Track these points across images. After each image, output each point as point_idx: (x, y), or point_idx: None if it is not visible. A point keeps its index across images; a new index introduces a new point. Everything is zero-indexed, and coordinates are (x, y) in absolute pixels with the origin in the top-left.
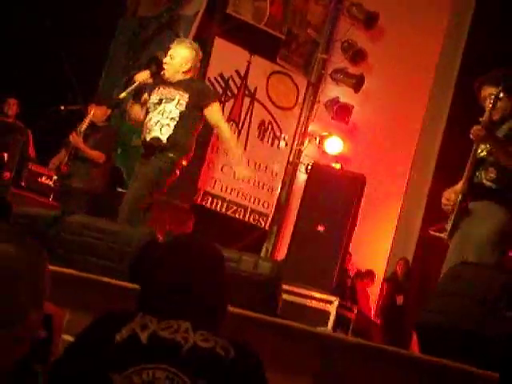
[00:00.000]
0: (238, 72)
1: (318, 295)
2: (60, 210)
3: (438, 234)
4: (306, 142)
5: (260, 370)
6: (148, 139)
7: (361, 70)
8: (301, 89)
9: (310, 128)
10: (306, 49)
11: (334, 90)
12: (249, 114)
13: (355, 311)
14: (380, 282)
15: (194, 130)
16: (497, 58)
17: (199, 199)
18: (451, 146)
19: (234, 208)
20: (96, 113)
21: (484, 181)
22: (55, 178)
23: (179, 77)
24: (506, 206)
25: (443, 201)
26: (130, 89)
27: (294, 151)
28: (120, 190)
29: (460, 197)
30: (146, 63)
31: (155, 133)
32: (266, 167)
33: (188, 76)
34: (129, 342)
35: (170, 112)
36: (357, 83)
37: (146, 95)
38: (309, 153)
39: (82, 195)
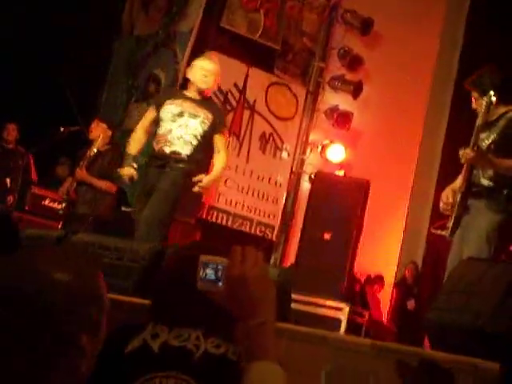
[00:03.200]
0: (236, 85)
1: (328, 303)
2: (63, 231)
3: (440, 231)
4: (308, 150)
5: None
6: (168, 152)
7: (359, 76)
8: (300, 98)
9: (312, 137)
10: (302, 58)
11: (332, 98)
12: (249, 127)
13: (366, 317)
14: (390, 286)
15: (209, 149)
16: (494, 58)
17: (204, 214)
18: (454, 146)
19: (240, 221)
20: (97, 134)
21: (482, 179)
22: (64, 204)
23: (199, 95)
24: (503, 203)
25: (442, 200)
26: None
27: (296, 161)
28: (124, 209)
29: (459, 195)
30: (144, 82)
31: (176, 147)
32: (270, 179)
33: (208, 95)
34: (140, 352)
35: (195, 129)
36: (355, 90)
37: (152, 111)
38: (311, 161)
39: (87, 218)
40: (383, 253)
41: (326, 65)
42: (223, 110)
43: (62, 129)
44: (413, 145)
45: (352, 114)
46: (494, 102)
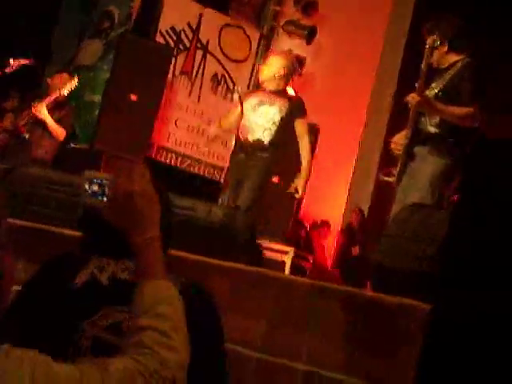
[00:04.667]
0: (189, 25)
1: (273, 245)
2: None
3: (386, 178)
4: None
5: (213, 306)
6: (251, 140)
7: (313, 21)
8: (253, 41)
9: None
10: (257, 1)
11: (286, 42)
12: (201, 67)
13: (311, 261)
14: (336, 232)
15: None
16: (451, 3)
17: (153, 154)
18: (404, 93)
19: (189, 162)
20: (55, 82)
21: (428, 126)
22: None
23: (275, 85)
24: (447, 150)
25: (392, 145)
26: None
27: None
28: (73, 145)
29: (405, 141)
30: (98, 18)
31: (258, 135)
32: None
33: (282, 85)
34: (89, 286)
35: (274, 115)
36: (309, 35)
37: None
38: None
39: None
40: (331, 199)
41: (280, 9)
42: (302, 101)
43: (11, 61)
44: (364, 92)
45: (305, 58)
46: (437, 46)
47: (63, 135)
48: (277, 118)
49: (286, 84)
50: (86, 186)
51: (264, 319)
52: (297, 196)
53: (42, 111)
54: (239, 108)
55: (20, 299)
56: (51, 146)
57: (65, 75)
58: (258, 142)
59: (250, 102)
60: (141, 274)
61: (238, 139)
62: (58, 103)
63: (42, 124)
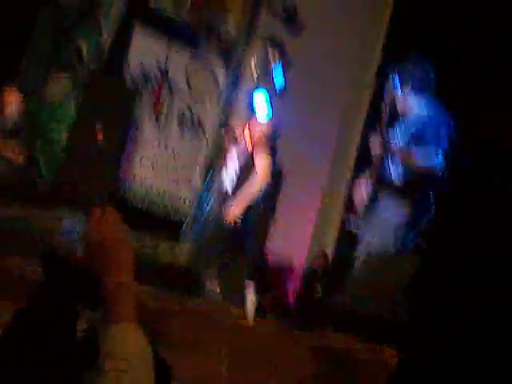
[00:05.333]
0: (158, 62)
1: None
2: None
3: (351, 224)
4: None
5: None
6: None
7: (281, 63)
8: (221, 80)
9: (230, 121)
10: (226, 40)
11: (254, 82)
12: (169, 106)
13: (273, 304)
14: (298, 272)
15: None
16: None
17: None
18: (368, 138)
19: (156, 200)
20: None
21: (392, 173)
22: None
23: None
24: (411, 198)
25: (354, 192)
26: None
27: (212, 144)
28: (40, 181)
29: (370, 188)
30: (67, 53)
31: None
32: (186, 159)
33: None
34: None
35: None
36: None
37: None
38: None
39: None
40: (295, 240)
41: (249, 49)
42: None
43: None
44: (329, 140)
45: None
46: (398, 91)
47: (18, 158)
48: None
49: None
50: (60, 225)
51: (230, 362)
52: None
53: None
54: None
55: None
56: None
57: (15, 93)
58: None
59: None
60: (110, 318)
61: None
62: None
63: None
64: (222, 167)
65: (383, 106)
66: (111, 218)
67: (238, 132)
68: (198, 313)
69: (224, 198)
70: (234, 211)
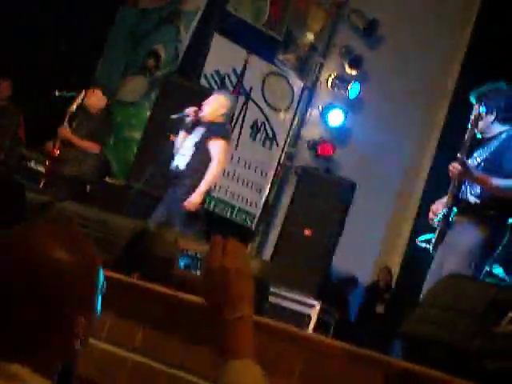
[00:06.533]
0: (234, 70)
1: (300, 298)
2: (50, 197)
3: (424, 244)
4: (299, 144)
5: None
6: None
7: (357, 77)
8: (296, 91)
9: (303, 131)
10: (303, 52)
11: (328, 95)
12: (242, 113)
13: (336, 316)
14: (363, 289)
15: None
16: (496, 71)
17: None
18: (444, 158)
19: (222, 206)
20: (91, 99)
21: (469, 195)
22: (47, 162)
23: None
24: (488, 221)
25: (430, 214)
26: None
27: (285, 153)
28: (109, 180)
29: (445, 210)
30: (143, 56)
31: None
32: (257, 167)
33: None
34: None
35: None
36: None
37: None
38: (300, 156)
39: (73, 183)
40: (361, 254)
41: (325, 61)
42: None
43: (56, 92)
44: (403, 154)
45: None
46: (482, 116)
47: (95, 148)
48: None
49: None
50: (179, 258)
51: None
52: (186, 204)
53: (65, 133)
54: None
55: None
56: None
57: (98, 92)
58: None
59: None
60: (228, 353)
61: None
62: (88, 117)
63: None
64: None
65: (468, 128)
66: (235, 247)
67: None
68: (263, 327)
69: None
70: (195, 199)
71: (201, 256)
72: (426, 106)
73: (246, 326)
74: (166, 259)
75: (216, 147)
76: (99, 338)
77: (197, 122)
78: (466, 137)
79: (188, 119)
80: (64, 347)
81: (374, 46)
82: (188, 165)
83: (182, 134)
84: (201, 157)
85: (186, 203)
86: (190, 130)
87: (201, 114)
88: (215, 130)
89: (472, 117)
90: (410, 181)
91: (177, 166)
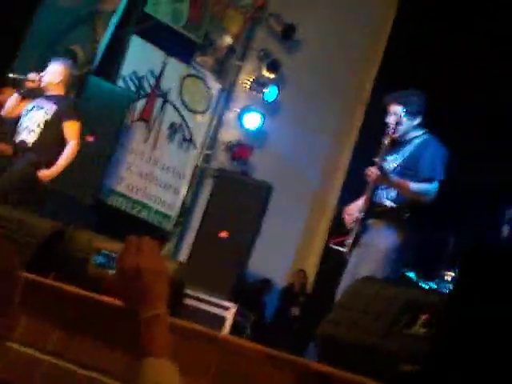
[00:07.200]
0: (152, 72)
1: (215, 300)
2: None
3: (338, 247)
4: (216, 147)
5: None
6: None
7: (274, 80)
8: (214, 94)
9: (220, 134)
10: (221, 54)
11: (246, 98)
12: (160, 115)
13: (252, 319)
14: (279, 291)
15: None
16: (413, 73)
17: (103, 197)
18: (361, 160)
19: (139, 208)
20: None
21: (384, 199)
22: None
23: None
24: (403, 225)
25: (346, 216)
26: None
27: (202, 155)
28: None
29: (361, 214)
30: (61, 55)
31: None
32: (174, 169)
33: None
34: None
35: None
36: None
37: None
38: (217, 158)
39: None
40: (278, 256)
41: (244, 64)
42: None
43: None
44: (321, 155)
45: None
46: (401, 120)
47: (7, 149)
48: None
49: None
50: (93, 257)
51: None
52: (41, 175)
53: None
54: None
55: None
56: None
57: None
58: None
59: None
60: (144, 352)
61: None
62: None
63: None
64: None
65: (386, 132)
66: (149, 246)
67: None
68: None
69: None
70: (52, 173)
71: (116, 255)
72: (343, 108)
73: (162, 324)
74: (81, 259)
75: (73, 129)
76: (13, 339)
77: (38, 91)
78: (384, 141)
79: (29, 85)
80: None
81: (292, 50)
82: (36, 142)
83: (17, 96)
84: (52, 135)
85: (40, 174)
86: (28, 97)
87: (42, 84)
88: (67, 109)
89: (390, 120)
90: (327, 183)
91: (23, 141)
